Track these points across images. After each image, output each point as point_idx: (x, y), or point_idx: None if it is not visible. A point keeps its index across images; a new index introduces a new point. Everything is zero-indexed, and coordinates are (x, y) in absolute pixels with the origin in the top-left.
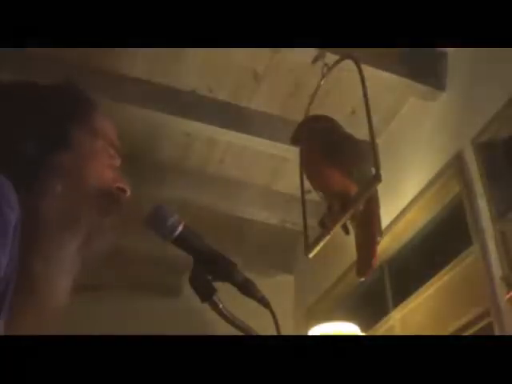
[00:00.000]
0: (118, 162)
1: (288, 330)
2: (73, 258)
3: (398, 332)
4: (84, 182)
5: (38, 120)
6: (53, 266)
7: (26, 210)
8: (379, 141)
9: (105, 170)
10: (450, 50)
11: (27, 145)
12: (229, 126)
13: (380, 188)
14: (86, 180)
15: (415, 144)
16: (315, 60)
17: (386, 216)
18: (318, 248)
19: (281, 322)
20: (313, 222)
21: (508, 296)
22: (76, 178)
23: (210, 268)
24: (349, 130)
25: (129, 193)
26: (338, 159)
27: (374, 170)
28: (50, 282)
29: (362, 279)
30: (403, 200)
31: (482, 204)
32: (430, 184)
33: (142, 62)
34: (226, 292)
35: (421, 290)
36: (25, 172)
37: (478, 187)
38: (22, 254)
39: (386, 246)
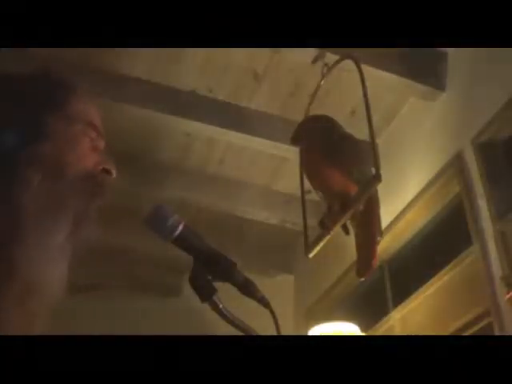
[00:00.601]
0: (101, 144)
1: (288, 330)
2: (63, 247)
3: (398, 332)
4: (65, 170)
5: (12, 112)
6: (42, 257)
7: (7, 204)
8: (379, 141)
9: (86, 153)
10: (450, 50)
11: (3, 138)
12: (229, 126)
13: (380, 188)
14: (67, 167)
15: (415, 144)
16: (315, 60)
17: (386, 216)
18: (318, 248)
19: (281, 322)
20: (313, 222)
21: (508, 296)
22: (56, 167)
23: (210, 268)
24: (349, 130)
25: (114, 174)
26: (338, 159)
27: (373, 170)
28: (42, 272)
29: (362, 279)
30: (403, 200)
31: (482, 204)
32: (430, 184)
33: (142, 62)
34: (225, 292)
35: (421, 290)
36: (2, 166)
37: (478, 187)
38: (8, 247)
39: (386, 245)
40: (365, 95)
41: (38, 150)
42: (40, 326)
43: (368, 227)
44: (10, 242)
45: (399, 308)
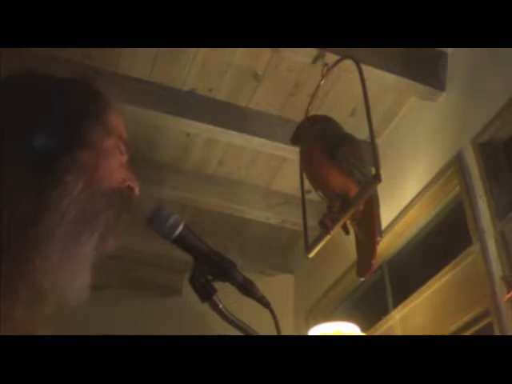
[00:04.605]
0: (125, 158)
1: (288, 330)
2: (88, 255)
3: (398, 332)
4: (98, 181)
5: (56, 116)
6: (65, 265)
7: (45, 206)
8: (379, 141)
9: (117, 167)
10: (449, 50)
11: (45, 140)
12: (229, 126)
13: (380, 188)
14: (100, 178)
15: (415, 144)
16: (315, 60)
17: (386, 216)
18: (318, 248)
19: (281, 322)
20: (313, 222)
21: (508, 296)
22: (92, 176)
23: (210, 268)
24: (349, 130)
25: (138, 192)
26: (338, 159)
27: (373, 170)
28: (61, 279)
29: (362, 279)
30: (403, 200)
31: (482, 204)
32: (430, 184)
33: (142, 62)
34: (226, 292)
35: (421, 289)
36: (43, 167)
37: (478, 187)
38: (42, 251)
39: (386, 246)
40: (365, 95)
41: (77, 156)
42: (49, 329)
43: (368, 227)
44: (33, 243)
45: (399, 308)
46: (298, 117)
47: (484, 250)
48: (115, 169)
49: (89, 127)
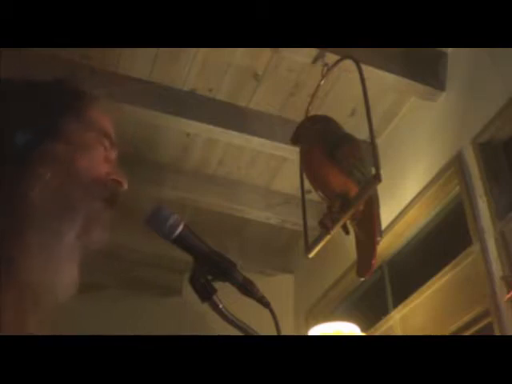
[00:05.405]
0: (113, 155)
1: (288, 330)
2: (70, 249)
3: (398, 332)
4: (76, 172)
5: (27, 110)
6: (46, 257)
7: (16, 198)
8: (379, 141)
9: (99, 162)
10: (449, 50)
11: (15, 134)
12: (229, 126)
13: (380, 188)
14: (78, 170)
15: (415, 144)
16: (315, 60)
17: (386, 216)
18: (318, 248)
19: (281, 322)
20: (313, 222)
21: (508, 296)
22: (68, 168)
23: (210, 268)
24: (349, 130)
25: (125, 186)
26: (338, 159)
27: (374, 170)
28: (45, 272)
29: (362, 279)
30: (403, 200)
31: (482, 204)
32: (430, 184)
33: (142, 62)
34: (226, 292)
35: (421, 289)
36: (14, 160)
37: (478, 187)
38: (21, 244)
39: (386, 246)
40: (365, 95)
41: (50, 148)
42: (41, 326)
43: (368, 227)
44: (13, 239)
45: (399, 308)
46: (298, 117)
47: (484, 250)
48: (97, 163)
49: (67, 122)
